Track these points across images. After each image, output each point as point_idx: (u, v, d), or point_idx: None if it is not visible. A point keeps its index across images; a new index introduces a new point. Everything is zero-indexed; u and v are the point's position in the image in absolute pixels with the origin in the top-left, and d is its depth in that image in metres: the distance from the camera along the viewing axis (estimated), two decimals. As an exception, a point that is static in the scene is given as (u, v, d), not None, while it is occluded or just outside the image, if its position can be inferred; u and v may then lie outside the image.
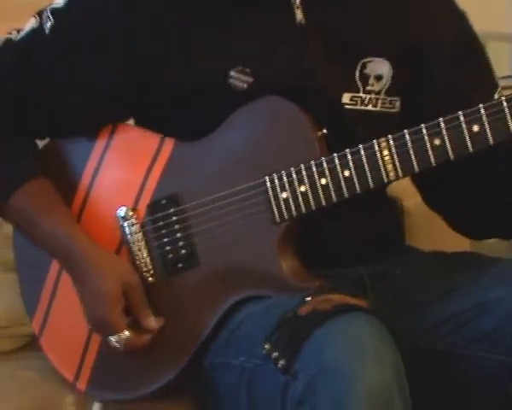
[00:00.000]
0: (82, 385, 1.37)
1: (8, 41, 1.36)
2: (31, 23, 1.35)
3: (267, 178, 1.23)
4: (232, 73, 1.31)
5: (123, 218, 1.30)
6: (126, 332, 1.31)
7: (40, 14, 1.33)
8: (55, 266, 1.41)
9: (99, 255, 1.32)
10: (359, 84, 1.33)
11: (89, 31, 1.33)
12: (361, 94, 1.36)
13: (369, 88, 1.34)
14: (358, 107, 1.35)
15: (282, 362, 1.18)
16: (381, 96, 1.36)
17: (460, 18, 1.43)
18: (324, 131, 1.25)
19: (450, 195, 1.41)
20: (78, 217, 1.37)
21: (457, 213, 1.45)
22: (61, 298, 1.42)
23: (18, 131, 1.37)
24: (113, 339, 1.30)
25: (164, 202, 1.33)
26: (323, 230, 1.30)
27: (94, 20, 1.34)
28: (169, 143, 1.31)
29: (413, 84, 1.37)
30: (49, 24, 1.34)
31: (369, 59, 1.33)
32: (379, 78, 1.34)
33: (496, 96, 1.34)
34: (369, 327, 1.17)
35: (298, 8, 1.30)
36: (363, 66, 1.32)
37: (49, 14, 1.32)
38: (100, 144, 1.36)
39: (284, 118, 1.26)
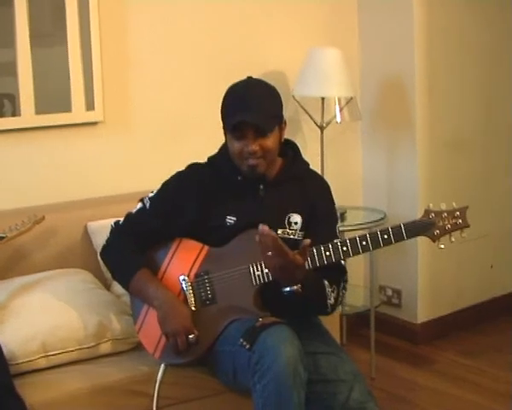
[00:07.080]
0: (157, 355, 2.29)
1: (129, 213, 2.39)
2: (139, 205, 2.39)
3: (250, 265, 2.23)
4: (227, 218, 2.30)
5: (183, 280, 2.30)
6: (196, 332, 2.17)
7: (143, 200, 2.39)
8: (145, 306, 2.30)
9: (168, 298, 2.26)
10: (286, 225, 2.29)
11: (165, 204, 2.35)
12: (287, 230, 2.28)
13: (291, 228, 2.28)
14: (284, 236, 2.25)
15: (247, 346, 2.03)
16: (297, 232, 2.30)
17: (329, 193, 2.39)
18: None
19: None
20: (161, 279, 2.31)
21: None
22: (149, 316, 2.31)
23: (132, 248, 2.34)
24: (190, 337, 2.16)
25: (202, 273, 2.28)
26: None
27: (167, 200, 2.35)
28: (206, 248, 2.31)
29: (308, 227, 2.30)
30: (148, 204, 2.37)
31: (291, 214, 2.31)
32: (296, 223, 2.31)
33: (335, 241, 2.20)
34: (286, 330, 2.03)
35: (261, 191, 2.31)
36: (289, 217, 2.31)
37: (148, 199, 2.38)
38: (174, 245, 2.36)
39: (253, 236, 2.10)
